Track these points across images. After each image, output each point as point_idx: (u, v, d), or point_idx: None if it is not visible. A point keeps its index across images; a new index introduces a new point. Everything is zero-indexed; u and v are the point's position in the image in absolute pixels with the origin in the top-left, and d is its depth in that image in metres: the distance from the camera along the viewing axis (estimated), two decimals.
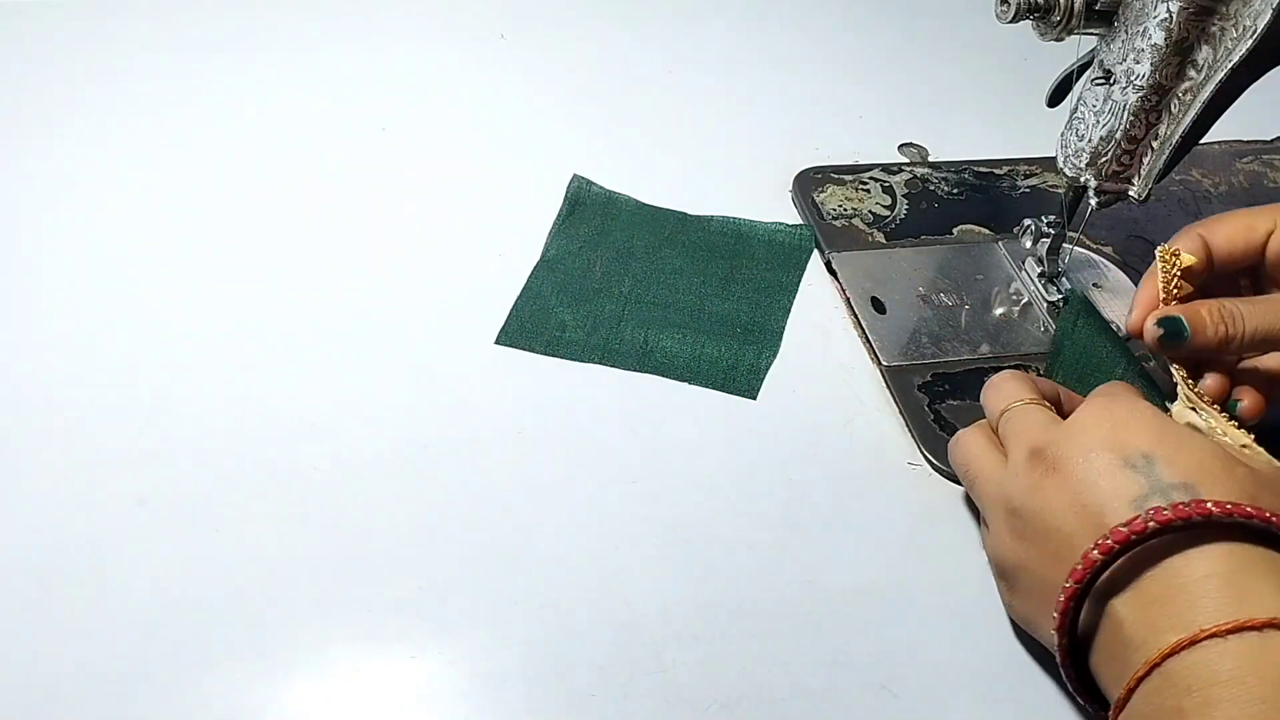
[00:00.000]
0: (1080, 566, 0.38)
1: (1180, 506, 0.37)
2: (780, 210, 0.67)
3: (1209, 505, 0.37)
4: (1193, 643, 0.35)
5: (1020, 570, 0.42)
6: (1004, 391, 0.47)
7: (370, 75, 0.74)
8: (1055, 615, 0.39)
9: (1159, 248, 0.48)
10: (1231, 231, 0.48)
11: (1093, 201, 0.55)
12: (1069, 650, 0.40)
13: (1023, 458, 0.43)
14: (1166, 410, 0.46)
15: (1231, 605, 0.36)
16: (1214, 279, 0.49)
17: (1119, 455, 0.40)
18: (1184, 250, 0.48)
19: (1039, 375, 0.56)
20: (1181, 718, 0.34)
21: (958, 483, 0.52)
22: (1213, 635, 0.35)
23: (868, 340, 0.58)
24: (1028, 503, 0.42)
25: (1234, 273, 0.49)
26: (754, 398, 0.55)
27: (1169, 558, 0.37)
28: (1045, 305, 0.60)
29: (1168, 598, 0.37)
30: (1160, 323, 0.46)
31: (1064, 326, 0.56)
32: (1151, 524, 0.37)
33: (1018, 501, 0.42)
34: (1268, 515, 0.37)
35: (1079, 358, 0.54)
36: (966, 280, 0.62)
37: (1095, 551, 0.38)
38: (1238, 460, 0.40)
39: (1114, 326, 0.55)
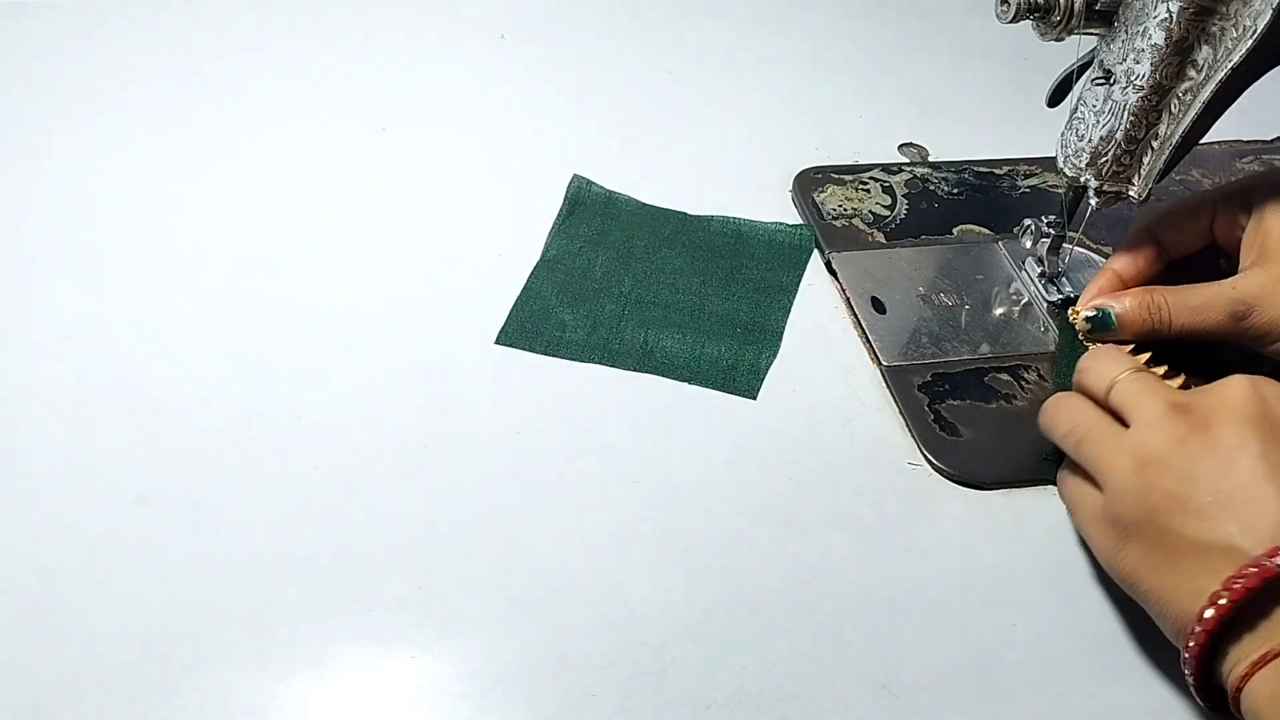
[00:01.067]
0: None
1: None
2: (780, 210, 0.67)
3: None
4: None
5: (1147, 524, 0.42)
6: (1114, 361, 0.47)
7: (370, 75, 0.74)
8: (1231, 587, 0.38)
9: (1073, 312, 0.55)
10: (1177, 234, 0.55)
11: (1093, 201, 0.55)
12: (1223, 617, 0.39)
13: (1161, 411, 0.43)
14: None
15: None
16: (1172, 265, 0.55)
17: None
18: (1134, 257, 0.54)
19: (1040, 378, 0.56)
20: None
21: (958, 483, 0.52)
22: None
23: (868, 340, 0.58)
24: (1171, 454, 0.42)
25: (1194, 255, 0.55)
26: (754, 398, 0.55)
27: None
28: (1045, 305, 0.60)
29: None
30: (1089, 318, 0.54)
31: (1073, 330, 0.56)
32: None
33: (1157, 453, 0.42)
34: None
35: None
36: (966, 280, 0.62)
37: None
38: None
39: None
